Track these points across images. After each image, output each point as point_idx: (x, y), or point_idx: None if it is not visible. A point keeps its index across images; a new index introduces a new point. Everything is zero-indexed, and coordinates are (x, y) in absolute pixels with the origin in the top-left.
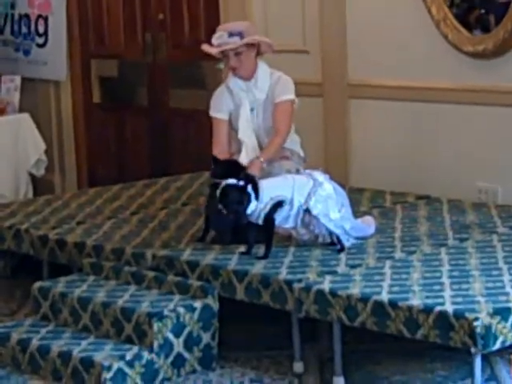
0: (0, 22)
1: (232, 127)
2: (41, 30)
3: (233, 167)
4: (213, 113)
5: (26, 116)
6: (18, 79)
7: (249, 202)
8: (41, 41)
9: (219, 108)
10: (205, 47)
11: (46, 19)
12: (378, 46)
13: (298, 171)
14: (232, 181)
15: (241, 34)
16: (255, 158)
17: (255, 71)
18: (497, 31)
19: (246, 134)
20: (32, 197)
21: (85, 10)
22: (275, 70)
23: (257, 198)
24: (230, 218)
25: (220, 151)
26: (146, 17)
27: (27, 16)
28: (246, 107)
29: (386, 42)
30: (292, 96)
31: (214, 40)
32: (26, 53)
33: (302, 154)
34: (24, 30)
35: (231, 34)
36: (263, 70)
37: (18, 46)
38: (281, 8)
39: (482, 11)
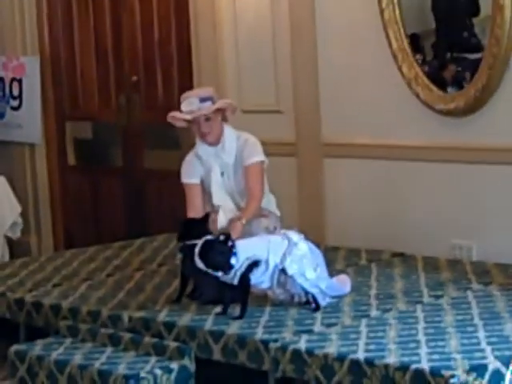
0: None
1: (204, 192)
2: (15, 92)
3: (199, 226)
4: (184, 179)
5: (1, 179)
6: None
7: (231, 252)
8: (15, 103)
9: (190, 174)
10: (176, 114)
11: (20, 82)
12: (351, 105)
13: (275, 229)
14: (210, 237)
15: (212, 99)
16: (236, 219)
17: (222, 135)
18: (468, 89)
19: (221, 198)
20: (8, 259)
21: (59, 73)
22: (241, 131)
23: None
24: (213, 275)
25: (196, 215)
26: (120, 79)
27: (1, 79)
28: (216, 172)
29: (358, 101)
30: (261, 157)
31: (185, 107)
32: (1, 116)
33: (278, 213)
34: None
35: (203, 100)
36: (229, 133)
37: None
38: (254, 68)
39: (458, 68)
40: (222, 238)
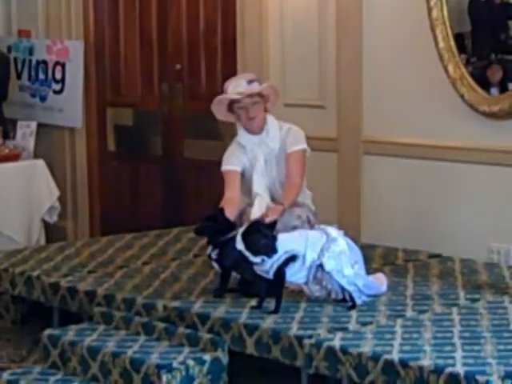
0: (18, 67)
1: (244, 183)
2: (58, 76)
3: (224, 224)
4: (225, 166)
5: (40, 162)
6: (33, 125)
7: (276, 237)
8: (57, 87)
9: (232, 162)
10: (223, 96)
11: (63, 66)
12: (393, 103)
13: (308, 219)
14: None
15: (258, 80)
16: (278, 203)
17: (265, 124)
18: None
19: (261, 188)
20: (44, 243)
21: (102, 59)
22: (283, 122)
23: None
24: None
25: (233, 196)
26: (163, 67)
27: (45, 62)
28: (260, 161)
29: (401, 100)
30: (304, 145)
31: (232, 88)
32: (43, 99)
33: (313, 207)
34: (41, 76)
35: (250, 81)
36: (272, 121)
37: (35, 92)
38: (298, 62)
39: (502, 70)
40: (268, 221)
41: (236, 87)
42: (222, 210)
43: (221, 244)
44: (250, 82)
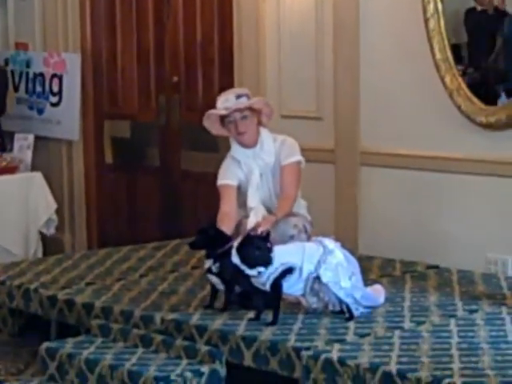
0: (15, 80)
1: (239, 197)
2: (55, 89)
3: (217, 236)
4: (221, 180)
5: (38, 174)
6: (31, 138)
7: (271, 248)
8: (55, 100)
9: (228, 176)
10: (212, 111)
11: (60, 78)
12: (390, 115)
13: (304, 228)
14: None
15: (247, 95)
16: (270, 214)
17: (259, 137)
18: (510, 102)
19: (255, 201)
20: (42, 256)
21: (99, 71)
22: (275, 134)
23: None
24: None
25: (229, 209)
26: (160, 79)
27: (42, 75)
28: (255, 175)
29: (398, 111)
30: (299, 157)
31: (220, 104)
32: (40, 111)
33: (308, 217)
34: (38, 88)
35: (239, 96)
36: (266, 135)
37: (32, 104)
38: (295, 74)
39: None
40: (262, 233)
41: (224, 102)
42: (213, 225)
43: (219, 256)
44: (239, 96)
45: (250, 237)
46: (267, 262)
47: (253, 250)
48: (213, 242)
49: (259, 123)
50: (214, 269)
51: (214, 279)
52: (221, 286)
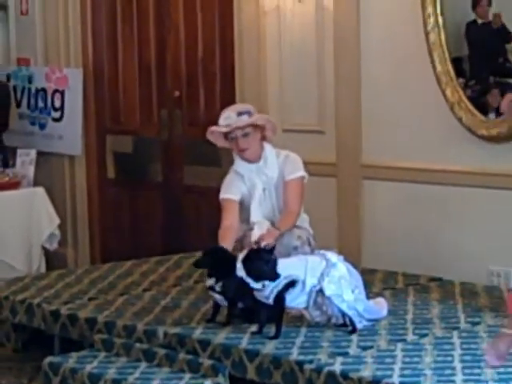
0: (17, 95)
1: (242, 212)
2: (57, 104)
3: (224, 258)
4: (224, 194)
5: (40, 190)
6: (33, 153)
7: (276, 262)
8: (57, 115)
9: (231, 190)
10: (214, 128)
11: (62, 94)
12: (392, 128)
13: (308, 240)
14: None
15: (249, 113)
16: (273, 228)
17: (262, 152)
18: None
19: (258, 216)
20: (45, 270)
21: (101, 86)
22: (279, 149)
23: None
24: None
25: (231, 223)
26: (162, 94)
27: (44, 90)
28: (259, 190)
29: (400, 124)
30: (302, 173)
31: (222, 121)
32: (42, 127)
33: (311, 231)
34: (40, 104)
35: (240, 113)
36: (269, 150)
37: (34, 119)
38: (297, 88)
39: (500, 94)
40: (267, 247)
41: (226, 119)
42: (220, 247)
43: (223, 275)
44: (240, 114)
45: (257, 250)
46: (275, 275)
47: (261, 264)
48: (217, 261)
49: (264, 138)
50: (217, 288)
51: (217, 296)
52: (224, 302)
